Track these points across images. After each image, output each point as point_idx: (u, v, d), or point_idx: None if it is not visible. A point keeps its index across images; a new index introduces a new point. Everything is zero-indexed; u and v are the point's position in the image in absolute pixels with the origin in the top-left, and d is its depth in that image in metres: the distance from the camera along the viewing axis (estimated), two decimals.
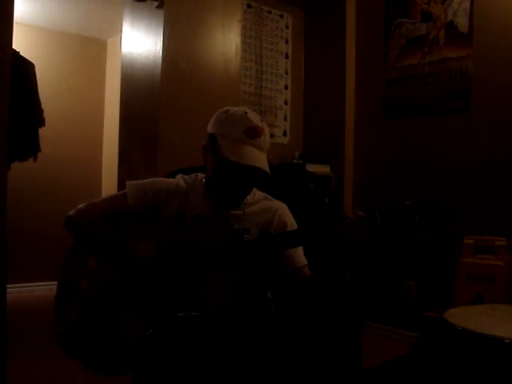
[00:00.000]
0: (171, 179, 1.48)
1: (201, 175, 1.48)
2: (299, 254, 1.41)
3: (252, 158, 1.31)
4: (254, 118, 1.36)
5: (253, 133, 1.34)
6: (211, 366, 1.18)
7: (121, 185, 2.87)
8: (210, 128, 1.39)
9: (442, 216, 1.18)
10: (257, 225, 1.42)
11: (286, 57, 3.55)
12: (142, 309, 1.21)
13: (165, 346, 1.17)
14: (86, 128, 4.68)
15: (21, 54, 2.88)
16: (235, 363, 1.20)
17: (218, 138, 1.34)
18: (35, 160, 3.05)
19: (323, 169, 3.31)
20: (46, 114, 3.11)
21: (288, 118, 3.54)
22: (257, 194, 1.49)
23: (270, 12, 3.44)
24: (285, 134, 3.51)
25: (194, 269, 1.24)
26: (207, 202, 1.41)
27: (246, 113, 1.35)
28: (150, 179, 1.46)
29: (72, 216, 1.36)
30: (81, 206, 1.38)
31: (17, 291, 3.85)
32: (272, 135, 3.17)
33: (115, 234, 1.32)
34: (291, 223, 1.46)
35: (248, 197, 1.44)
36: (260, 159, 1.33)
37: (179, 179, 1.47)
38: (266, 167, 1.33)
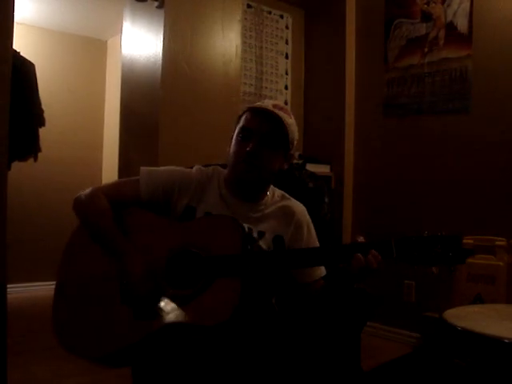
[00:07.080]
0: (188, 169, 1.40)
1: (220, 169, 1.40)
2: (314, 269, 1.37)
3: (268, 107, 1.29)
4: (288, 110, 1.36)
5: (280, 107, 1.32)
6: (211, 365, 1.18)
7: None
8: None
9: (460, 254, 1.14)
10: (273, 228, 1.36)
11: (286, 57, 3.56)
12: (137, 311, 1.19)
13: (163, 348, 1.16)
14: (87, 128, 4.68)
15: (21, 54, 2.88)
16: (235, 362, 1.19)
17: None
18: (35, 160, 3.04)
19: (323, 169, 3.31)
20: (46, 115, 3.11)
21: None
22: (276, 193, 1.43)
23: (270, 12, 3.45)
24: None
25: (190, 278, 1.18)
26: (223, 198, 1.35)
27: None
28: (166, 167, 1.40)
29: (83, 201, 1.32)
30: (89, 191, 1.34)
31: (17, 291, 3.85)
32: None
33: (119, 234, 1.27)
34: (308, 229, 1.41)
35: (268, 194, 1.39)
36: (278, 114, 1.28)
37: (196, 170, 1.40)
38: (287, 124, 1.28)
